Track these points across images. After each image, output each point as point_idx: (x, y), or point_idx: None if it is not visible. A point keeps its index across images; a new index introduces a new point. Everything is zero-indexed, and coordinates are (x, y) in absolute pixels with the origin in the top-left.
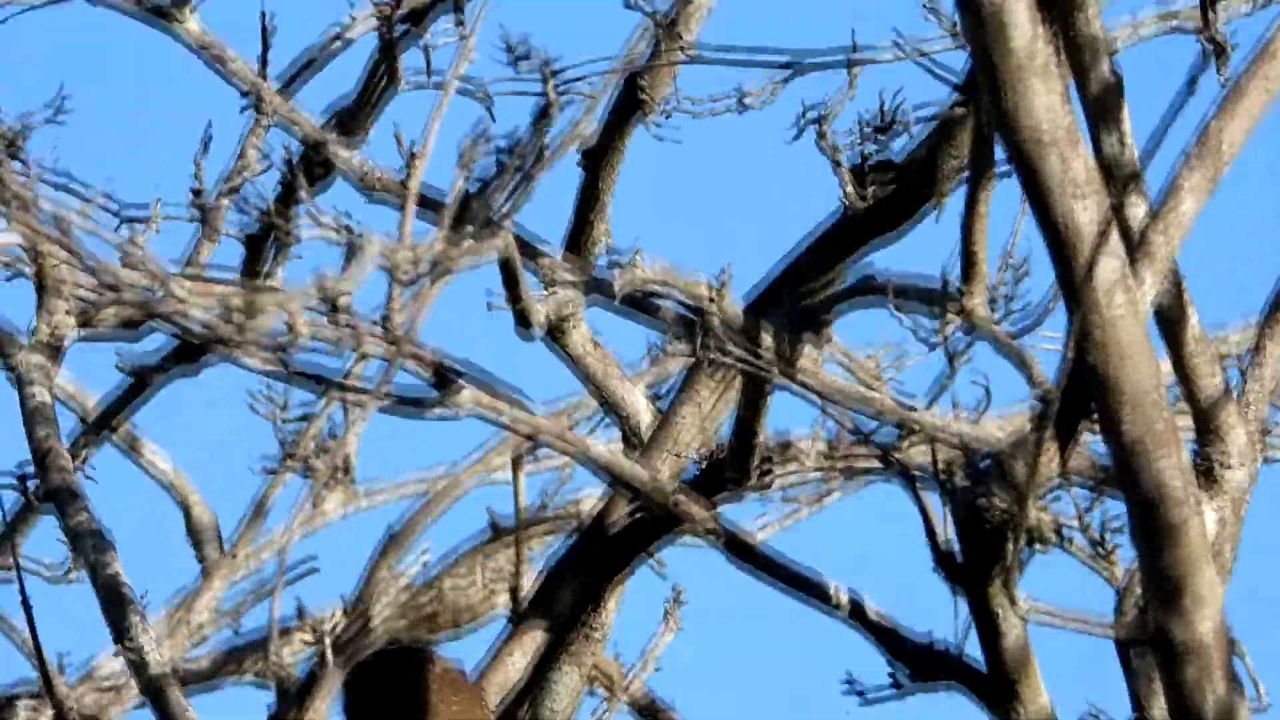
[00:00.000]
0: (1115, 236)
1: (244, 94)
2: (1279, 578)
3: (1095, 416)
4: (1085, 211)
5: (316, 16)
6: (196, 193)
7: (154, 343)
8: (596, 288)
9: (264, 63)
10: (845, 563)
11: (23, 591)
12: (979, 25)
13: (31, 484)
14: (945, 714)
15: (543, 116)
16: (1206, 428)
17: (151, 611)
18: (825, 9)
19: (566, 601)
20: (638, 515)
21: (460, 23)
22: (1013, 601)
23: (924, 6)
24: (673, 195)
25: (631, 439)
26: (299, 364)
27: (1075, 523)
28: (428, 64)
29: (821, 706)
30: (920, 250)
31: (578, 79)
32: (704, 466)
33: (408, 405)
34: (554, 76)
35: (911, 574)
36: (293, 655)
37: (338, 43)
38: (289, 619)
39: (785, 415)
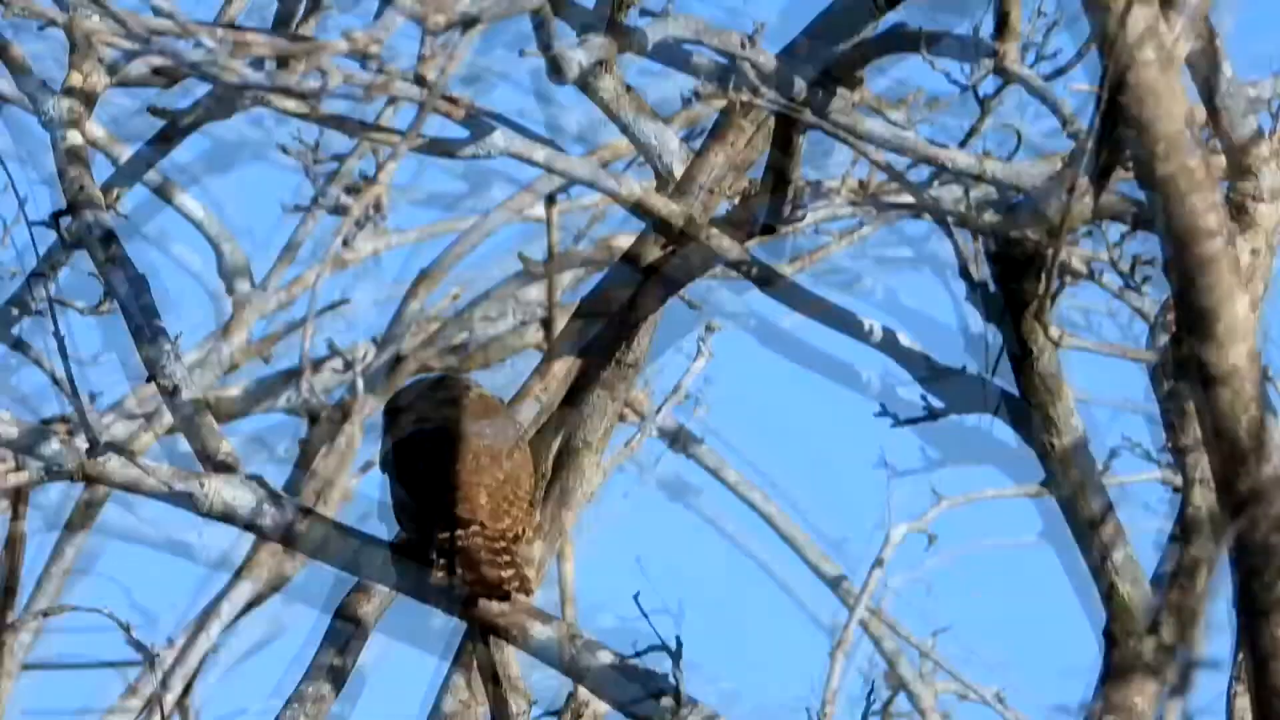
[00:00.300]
0: None
1: None
2: None
3: (1128, 155)
4: None
5: None
6: None
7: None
8: (630, 40)
9: None
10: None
11: (55, 324)
12: None
13: (65, 223)
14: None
15: None
16: (1239, 166)
17: (184, 349)
18: None
19: (600, 335)
20: (669, 251)
21: None
22: (1047, 329)
23: None
24: None
25: (664, 179)
26: (332, 110)
27: (1107, 258)
28: None
29: (851, 433)
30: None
31: None
32: (737, 205)
33: (440, 147)
34: None
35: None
36: (323, 387)
37: None
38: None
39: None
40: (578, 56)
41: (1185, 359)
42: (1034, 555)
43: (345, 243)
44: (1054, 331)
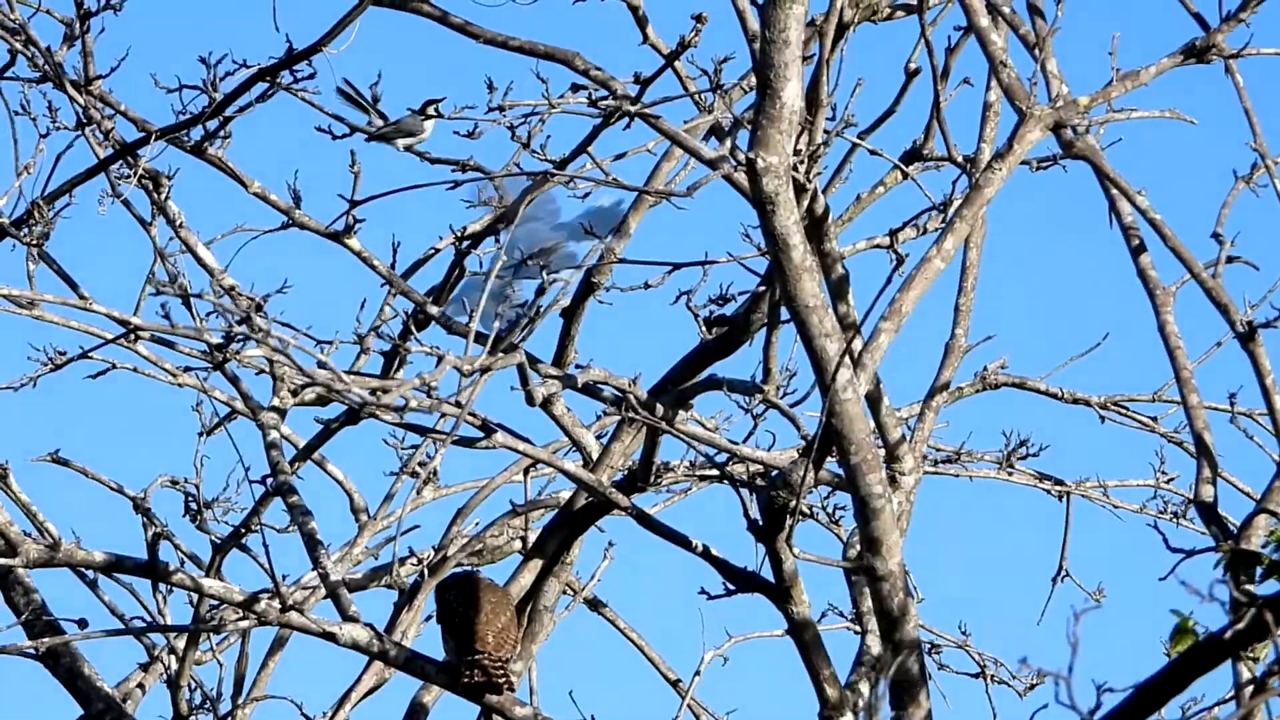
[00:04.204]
0: (846, 359)
1: (384, 282)
2: (929, 535)
3: (835, 451)
4: (831, 345)
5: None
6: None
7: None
8: (569, 381)
9: (393, 265)
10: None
11: (264, 541)
12: (774, 244)
13: (269, 482)
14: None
15: (540, 293)
16: (892, 456)
17: (332, 550)
18: (693, 230)
19: (553, 546)
20: (590, 500)
21: (498, 240)
22: (790, 548)
23: (744, 236)
24: (606, 333)
25: (587, 461)
26: (411, 419)
27: (820, 506)
28: (480, 264)
29: (685, 605)
30: (740, 364)
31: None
32: (626, 475)
33: (467, 442)
34: (545, 268)
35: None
36: (405, 574)
37: (432, 251)
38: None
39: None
40: (540, 391)
41: (864, 565)
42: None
43: (418, 493)
44: (795, 550)
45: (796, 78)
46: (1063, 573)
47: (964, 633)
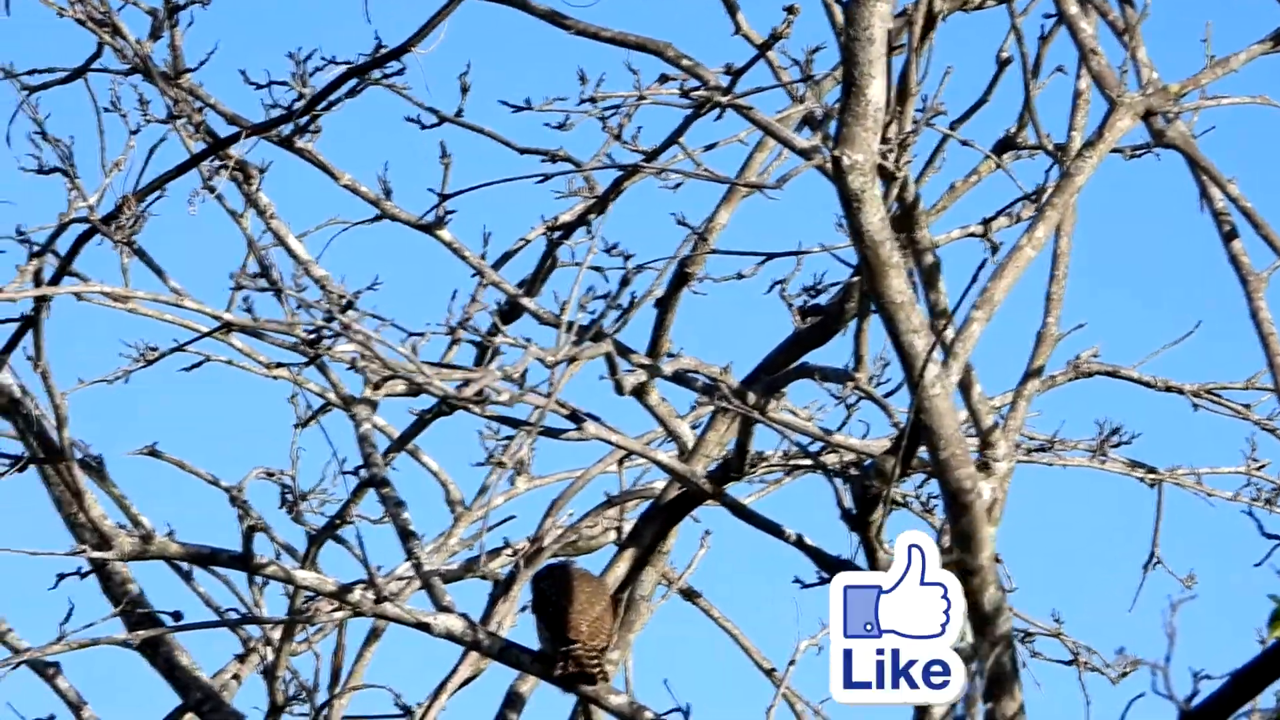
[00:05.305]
0: (936, 351)
1: (475, 273)
2: (1021, 523)
3: (925, 445)
4: (919, 341)
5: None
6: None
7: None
8: (656, 370)
9: (483, 255)
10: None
11: (358, 533)
12: (861, 241)
13: (362, 473)
14: None
15: (624, 283)
16: (985, 442)
17: (426, 541)
18: (786, 220)
19: (648, 536)
20: (684, 490)
21: (589, 231)
22: (881, 545)
23: (837, 226)
24: (701, 323)
25: (683, 451)
26: (501, 411)
27: (914, 495)
28: (572, 256)
29: (779, 594)
30: (835, 353)
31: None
32: (720, 464)
33: (556, 433)
34: (629, 259)
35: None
36: (500, 565)
37: (523, 242)
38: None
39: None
40: (629, 379)
41: (955, 560)
42: None
43: (511, 483)
44: (886, 547)
45: (881, 75)
46: (1154, 560)
47: (1057, 620)
